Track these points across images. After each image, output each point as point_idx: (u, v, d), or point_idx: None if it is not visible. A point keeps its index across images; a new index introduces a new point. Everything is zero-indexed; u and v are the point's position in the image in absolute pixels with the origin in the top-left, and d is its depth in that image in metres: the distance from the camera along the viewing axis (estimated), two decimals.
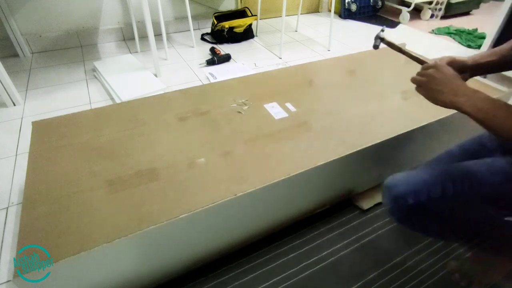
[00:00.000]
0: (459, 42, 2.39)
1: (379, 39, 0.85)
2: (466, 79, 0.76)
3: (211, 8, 2.44)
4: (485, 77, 1.76)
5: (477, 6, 3.04)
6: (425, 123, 1.00)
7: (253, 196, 0.76)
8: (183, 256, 0.80)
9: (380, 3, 2.92)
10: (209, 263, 0.87)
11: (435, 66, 0.64)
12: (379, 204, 1.06)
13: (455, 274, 0.86)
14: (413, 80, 0.67)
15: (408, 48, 1.77)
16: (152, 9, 1.63)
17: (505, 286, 0.84)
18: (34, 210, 0.70)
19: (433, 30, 2.60)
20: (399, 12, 2.81)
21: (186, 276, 0.84)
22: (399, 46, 0.82)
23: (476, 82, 1.23)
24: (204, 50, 2.13)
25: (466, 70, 0.75)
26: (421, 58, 0.79)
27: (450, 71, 0.63)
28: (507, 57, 0.72)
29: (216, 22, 2.19)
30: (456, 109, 0.59)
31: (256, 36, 2.40)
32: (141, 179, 0.78)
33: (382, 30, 0.85)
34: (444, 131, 1.10)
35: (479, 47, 2.22)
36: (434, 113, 1.03)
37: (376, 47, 0.86)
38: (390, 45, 0.83)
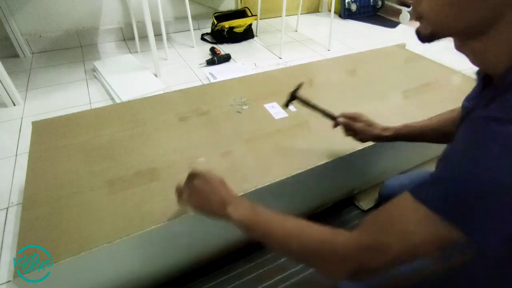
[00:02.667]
0: None
1: (295, 97, 0.80)
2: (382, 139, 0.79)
3: (211, 8, 2.44)
4: None
5: None
6: None
7: (253, 196, 0.76)
8: (183, 256, 0.80)
9: (380, 3, 2.92)
10: (210, 263, 0.87)
11: (199, 177, 0.61)
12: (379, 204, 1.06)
13: None
14: (179, 191, 0.64)
15: (408, 48, 1.75)
16: (152, 9, 1.63)
17: None
18: (34, 210, 0.70)
19: None
20: (399, 12, 2.80)
21: (186, 276, 0.84)
22: (310, 102, 0.78)
23: None
24: (204, 50, 2.13)
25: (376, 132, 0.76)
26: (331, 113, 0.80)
27: (214, 179, 0.61)
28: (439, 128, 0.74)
29: (216, 22, 2.19)
30: (225, 219, 0.58)
31: (256, 36, 2.39)
32: (141, 179, 0.78)
33: (298, 88, 0.80)
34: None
35: None
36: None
37: (286, 105, 0.83)
38: (304, 102, 0.80)
